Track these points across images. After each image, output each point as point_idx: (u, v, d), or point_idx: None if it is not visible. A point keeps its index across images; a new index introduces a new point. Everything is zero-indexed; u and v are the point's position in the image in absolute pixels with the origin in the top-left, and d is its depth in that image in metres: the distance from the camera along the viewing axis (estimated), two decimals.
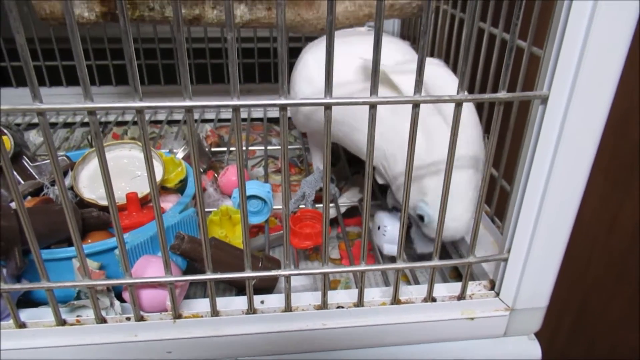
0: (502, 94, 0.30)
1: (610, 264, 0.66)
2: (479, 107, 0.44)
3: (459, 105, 0.30)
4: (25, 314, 0.36)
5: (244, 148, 0.71)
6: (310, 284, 0.46)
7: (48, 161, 0.48)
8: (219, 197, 0.55)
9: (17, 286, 0.34)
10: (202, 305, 0.37)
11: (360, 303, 0.38)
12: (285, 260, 0.35)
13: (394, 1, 0.64)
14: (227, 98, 0.28)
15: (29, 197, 0.45)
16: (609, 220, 0.64)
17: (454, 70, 0.43)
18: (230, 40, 0.26)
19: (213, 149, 0.71)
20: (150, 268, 0.36)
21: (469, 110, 0.41)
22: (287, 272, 0.35)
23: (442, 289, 0.39)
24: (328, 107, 0.29)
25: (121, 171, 0.47)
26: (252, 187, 0.48)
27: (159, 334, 0.36)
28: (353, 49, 0.47)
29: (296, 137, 0.79)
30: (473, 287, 0.40)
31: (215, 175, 0.58)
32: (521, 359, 0.40)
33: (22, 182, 0.47)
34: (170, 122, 0.84)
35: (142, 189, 0.44)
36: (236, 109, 0.29)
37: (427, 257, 0.38)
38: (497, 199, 0.48)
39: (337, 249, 0.55)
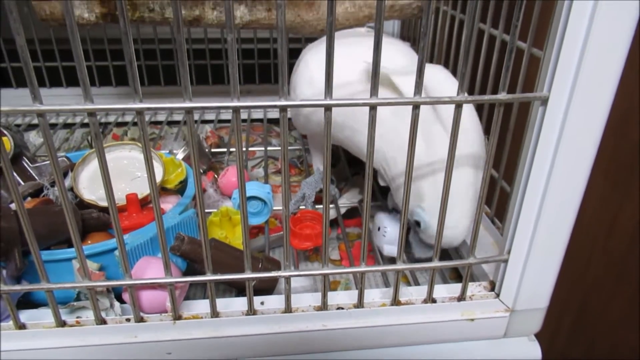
0: (502, 95, 0.30)
1: (610, 264, 0.66)
2: (479, 108, 0.44)
3: (459, 106, 0.30)
4: (25, 315, 0.36)
5: (244, 149, 0.71)
6: (310, 285, 0.46)
7: (48, 162, 0.48)
8: (219, 198, 0.55)
9: (17, 287, 0.34)
10: (202, 306, 0.37)
11: (360, 304, 0.38)
12: (285, 261, 0.35)
13: (394, 2, 0.64)
14: (227, 99, 0.28)
15: (29, 198, 0.45)
16: (609, 221, 0.64)
17: (454, 72, 0.43)
18: (230, 41, 0.26)
19: (213, 150, 0.71)
20: (150, 269, 0.36)
21: (469, 113, 0.41)
22: (287, 273, 0.35)
23: (442, 290, 0.39)
24: (328, 108, 0.29)
25: (121, 172, 0.47)
26: (252, 188, 0.49)
27: (159, 335, 0.36)
28: (354, 50, 0.47)
29: (296, 138, 0.79)
30: (473, 288, 0.40)
31: (215, 176, 0.58)
32: (521, 359, 0.40)
33: (22, 183, 0.47)
34: (170, 123, 0.84)
35: (142, 190, 0.44)
36: (236, 110, 0.29)
37: (425, 261, 0.38)
38: (497, 200, 0.48)
39: (337, 250, 0.55)
